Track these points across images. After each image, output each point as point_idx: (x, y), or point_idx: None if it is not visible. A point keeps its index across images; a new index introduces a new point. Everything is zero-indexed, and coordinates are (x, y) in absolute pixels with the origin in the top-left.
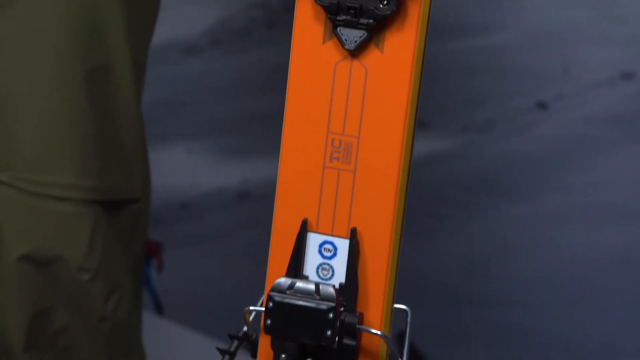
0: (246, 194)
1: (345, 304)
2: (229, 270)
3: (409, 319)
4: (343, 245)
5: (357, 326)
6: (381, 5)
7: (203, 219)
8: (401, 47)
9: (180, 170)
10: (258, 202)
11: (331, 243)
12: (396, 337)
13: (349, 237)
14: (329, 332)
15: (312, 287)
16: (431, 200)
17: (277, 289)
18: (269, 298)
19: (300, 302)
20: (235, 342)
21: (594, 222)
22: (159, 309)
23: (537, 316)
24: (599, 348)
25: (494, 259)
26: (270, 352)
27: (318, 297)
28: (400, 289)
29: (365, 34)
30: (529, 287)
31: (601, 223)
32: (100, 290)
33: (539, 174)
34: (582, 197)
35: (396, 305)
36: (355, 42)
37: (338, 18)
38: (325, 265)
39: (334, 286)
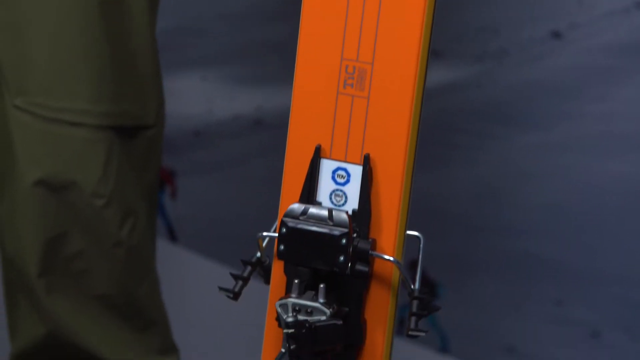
0: (260, 122)
1: (358, 230)
2: (242, 197)
3: (421, 246)
4: (356, 171)
5: (370, 252)
6: None
7: (217, 147)
8: None
9: (194, 97)
10: (272, 129)
11: (344, 169)
12: (408, 265)
13: (362, 163)
14: (341, 258)
15: (325, 213)
16: (444, 129)
17: (291, 214)
18: (282, 224)
19: (313, 228)
20: (249, 268)
21: (606, 151)
22: (172, 236)
23: (548, 244)
24: (609, 275)
25: (506, 188)
26: (283, 278)
27: (331, 223)
28: (413, 216)
29: None
30: (540, 215)
31: (614, 152)
32: (114, 216)
33: (552, 103)
34: (595, 126)
35: (409, 232)
36: None
37: None
38: (338, 192)
39: (347, 212)
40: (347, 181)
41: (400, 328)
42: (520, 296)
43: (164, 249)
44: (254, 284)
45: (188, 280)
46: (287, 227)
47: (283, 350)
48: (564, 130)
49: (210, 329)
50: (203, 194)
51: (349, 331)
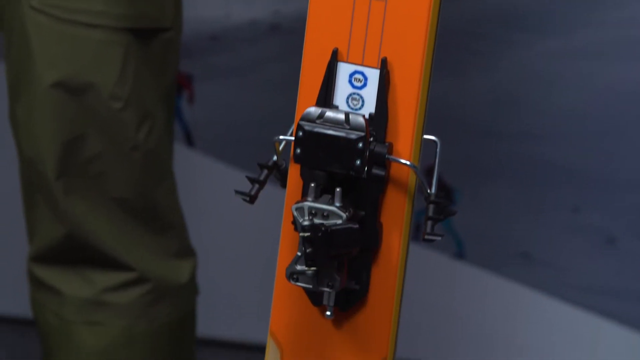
0: (277, 26)
1: (374, 133)
2: (259, 101)
3: (438, 150)
4: (373, 75)
5: (387, 156)
6: None
7: (234, 51)
8: None
9: (211, 1)
10: (289, 34)
11: (361, 73)
12: (425, 170)
13: (379, 67)
14: (358, 162)
15: (341, 116)
16: (462, 34)
17: (307, 118)
18: (299, 127)
19: (330, 132)
20: (265, 171)
21: (626, 57)
22: (189, 141)
23: (566, 150)
24: (627, 182)
25: (525, 94)
26: (300, 182)
27: (348, 127)
28: (430, 122)
29: None
30: (559, 121)
31: (635, 58)
32: (131, 118)
33: (573, 8)
34: (615, 32)
35: (425, 136)
36: None
37: None
38: (355, 95)
39: (363, 116)
40: (364, 85)
41: (416, 233)
42: (537, 202)
43: (180, 153)
44: (270, 188)
45: (205, 184)
46: (304, 131)
47: (299, 253)
48: (584, 36)
49: (227, 232)
50: (220, 99)
51: (365, 235)
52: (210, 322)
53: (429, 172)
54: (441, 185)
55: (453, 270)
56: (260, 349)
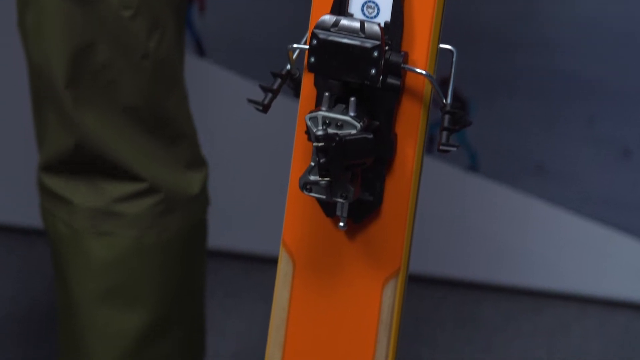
0: None
1: (390, 42)
2: (271, 10)
3: (454, 60)
4: None
5: (402, 65)
6: None
7: None
8: None
9: None
10: None
11: None
12: (440, 82)
13: None
14: (373, 71)
15: (356, 24)
16: None
17: (321, 26)
18: (313, 35)
19: (345, 40)
20: (278, 80)
21: None
22: (200, 51)
23: (582, 61)
24: None
25: (542, 3)
26: (313, 91)
27: (363, 35)
28: (446, 33)
29: None
30: (575, 32)
31: None
32: (142, 27)
33: None
34: None
35: (442, 46)
36: None
37: None
38: (370, 3)
39: (379, 24)
40: None
41: (430, 146)
42: (552, 114)
43: (191, 63)
44: (283, 99)
45: (216, 94)
46: (318, 39)
47: (312, 164)
48: None
49: (239, 143)
50: (232, 7)
51: (379, 145)
52: (222, 234)
53: (444, 83)
54: (456, 98)
55: (466, 183)
56: (273, 261)
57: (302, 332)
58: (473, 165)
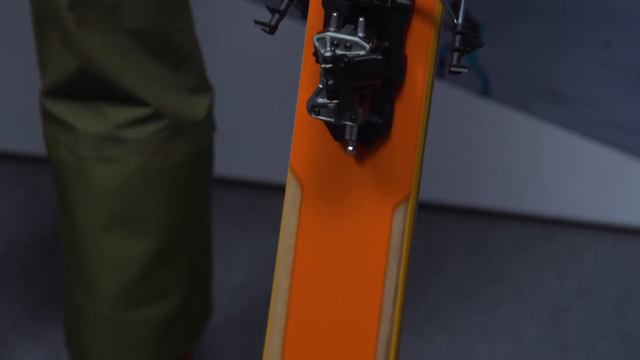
0: None
1: None
2: None
3: None
4: None
5: None
6: None
7: None
8: None
9: None
10: None
11: None
12: (452, 5)
13: None
14: None
15: None
16: None
17: None
18: None
19: None
20: (286, 1)
21: None
22: None
23: None
24: None
25: None
26: (321, 12)
27: None
28: None
29: None
30: None
31: None
32: None
33: None
34: None
35: None
36: None
37: None
38: None
39: None
40: None
41: (441, 70)
42: (566, 38)
43: None
44: (291, 21)
45: (222, 17)
46: None
47: (320, 86)
48: None
49: (245, 67)
50: None
51: (388, 66)
52: (228, 161)
53: (455, 5)
54: (467, 21)
55: (478, 108)
56: (280, 189)
57: (310, 258)
58: (485, 90)
